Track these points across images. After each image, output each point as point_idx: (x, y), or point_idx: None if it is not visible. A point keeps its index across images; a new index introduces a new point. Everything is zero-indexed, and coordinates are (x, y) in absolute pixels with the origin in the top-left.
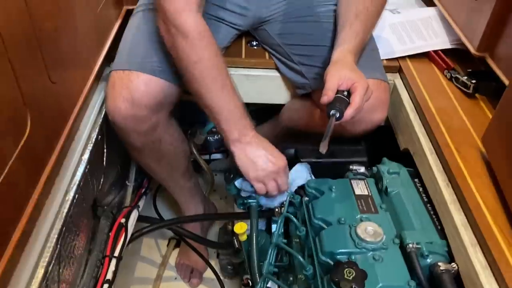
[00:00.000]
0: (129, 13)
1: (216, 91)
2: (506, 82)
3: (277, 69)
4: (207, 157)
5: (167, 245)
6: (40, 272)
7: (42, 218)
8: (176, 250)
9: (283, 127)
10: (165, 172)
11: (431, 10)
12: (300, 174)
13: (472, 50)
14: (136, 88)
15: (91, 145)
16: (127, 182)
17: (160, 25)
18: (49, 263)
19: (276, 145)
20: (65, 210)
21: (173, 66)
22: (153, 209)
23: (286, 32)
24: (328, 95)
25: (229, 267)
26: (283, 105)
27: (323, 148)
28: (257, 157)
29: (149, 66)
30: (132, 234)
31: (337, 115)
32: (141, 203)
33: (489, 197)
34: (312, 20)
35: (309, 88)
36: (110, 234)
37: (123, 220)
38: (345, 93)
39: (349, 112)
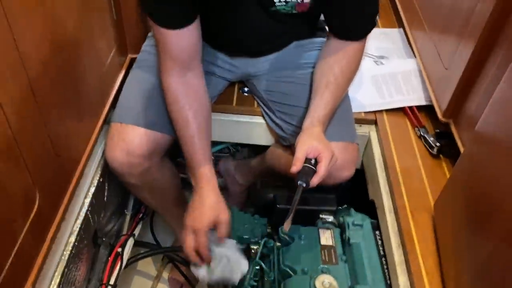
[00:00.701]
0: (133, 61)
1: (181, 141)
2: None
3: (263, 117)
4: None
5: (162, 260)
6: None
7: (47, 264)
8: (169, 265)
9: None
10: (158, 203)
11: (413, 63)
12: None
13: (439, 115)
14: (131, 140)
15: (94, 188)
16: (125, 211)
17: None
18: None
19: (262, 179)
20: (68, 253)
21: (166, 118)
22: (150, 232)
23: (270, 90)
24: (296, 166)
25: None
26: None
27: (287, 226)
28: (192, 207)
29: (143, 120)
30: (128, 259)
31: (304, 185)
32: (137, 230)
33: (430, 263)
34: (292, 81)
35: (288, 142)
36: (107, 263)
37: (120, 249)
38: (313, 161)
39: (314, 180)
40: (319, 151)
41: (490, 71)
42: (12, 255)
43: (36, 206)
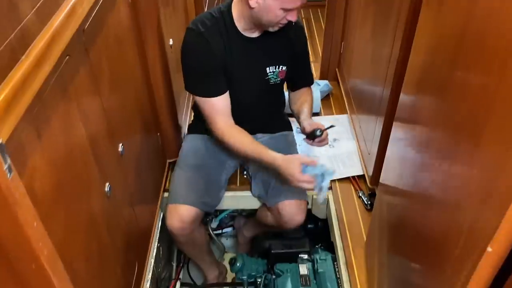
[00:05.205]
0: (170, 164)
1: (248, 153)
2: None
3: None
4: (219, 231)
5: None
6: None
7: None
8: None
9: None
10: (195, 253)
11: (354, 145)
12: None
13: (368, 182)
14: (183, 214)
15: (155, 250)
16: (172, 262)
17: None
18: None
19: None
20: None
21: (203, 199)
22: (188, 275)
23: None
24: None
25: None
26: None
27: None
28: (286, 169)
29: (189, 200)
30: None
31: (318, 133)
32: (181, 274)
33: (362, 279)
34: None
35: (269, 204)
36: None
37: None
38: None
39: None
40: (317, 125)
41: None
42: None
43: (136, 267)
